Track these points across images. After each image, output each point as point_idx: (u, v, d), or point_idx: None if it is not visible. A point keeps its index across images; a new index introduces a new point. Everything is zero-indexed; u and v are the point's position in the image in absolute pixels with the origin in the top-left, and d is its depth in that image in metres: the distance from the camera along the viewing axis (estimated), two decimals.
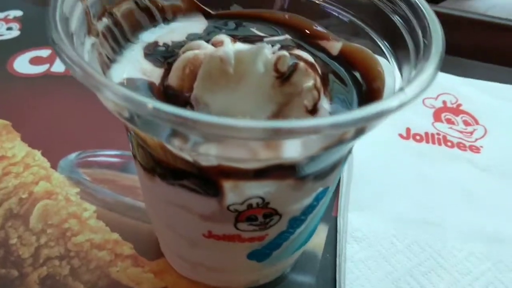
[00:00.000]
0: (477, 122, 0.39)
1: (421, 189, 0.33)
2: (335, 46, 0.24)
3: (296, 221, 0.22)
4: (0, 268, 0.26)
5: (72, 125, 0.35)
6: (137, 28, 0.23)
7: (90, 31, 0.21)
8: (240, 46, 0.21)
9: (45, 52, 0.41)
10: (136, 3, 0.23)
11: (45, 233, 0.28)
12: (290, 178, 0.19)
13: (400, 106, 0.16)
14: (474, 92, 0.41)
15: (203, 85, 0.19)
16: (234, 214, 0.20)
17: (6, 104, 0.36)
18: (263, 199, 0.19)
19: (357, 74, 0.23)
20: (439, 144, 0.36)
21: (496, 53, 0.46)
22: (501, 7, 0.49)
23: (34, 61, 0.40)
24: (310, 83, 0.20)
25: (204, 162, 0.18)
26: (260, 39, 0.24)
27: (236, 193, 0.19)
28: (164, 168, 0.19)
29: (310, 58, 0.22)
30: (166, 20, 0.24)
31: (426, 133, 0.37)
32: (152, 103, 0.15)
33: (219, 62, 0.19)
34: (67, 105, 0.36)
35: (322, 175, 0.20)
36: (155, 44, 0.23)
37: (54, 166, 0.32)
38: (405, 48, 0.21)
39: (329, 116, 0.19)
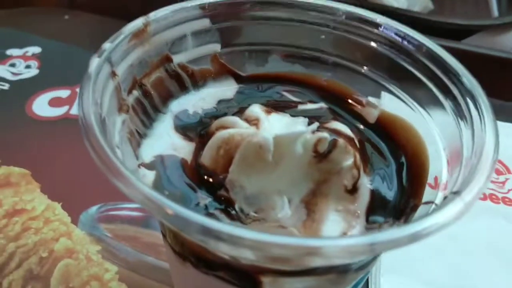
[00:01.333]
0: (509, 171, 0.37)
1: (454, 251, 0.31)
2: (372, 113, 0.23)
3: None
4: None
5: (93, 174, 0.34)
6: (167, 97, 0.23)
7: (121, 108, 0.20)
8: (276, 124, 0.20)
9: (64, 93, 0.41)
10: (167, 70, 0.23)
11: None
12: (332, 273, 0.18)
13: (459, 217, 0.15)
14: (504, 136, 0.40)
15: (239, 170, 0.19)
16: None
17: (25, 151, 0.35)
18: None
19: (394, 144, 0.22)
20: None
21: None
22: None
23: (53, 102, 0.40)
24: (349, 161, 0.20)
25: (244, 260, 0.17)
26: (294, 106, 0.23)
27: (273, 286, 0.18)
28: (198, 259, 0.18)
29: (348, 131, 0.21)
30: (196, 87, 0.24)
31: None
32: (174, 208, 0.14)
33: (257, 148, 0.18)
34: (88, 152, 0.36)
35: (364, 265, 0.19)
36: (185, 113, 0.22)
37: (74, 220, 0.31)
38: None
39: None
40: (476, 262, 0.31)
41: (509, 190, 0.36)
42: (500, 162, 0.38)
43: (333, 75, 0.24)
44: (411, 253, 0.31)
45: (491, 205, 0.35)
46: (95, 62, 0.19)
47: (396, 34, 0.22)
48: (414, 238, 0.15)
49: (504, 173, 0.37)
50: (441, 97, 0.21)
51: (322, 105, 0.23)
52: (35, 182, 0.33)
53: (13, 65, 0.43)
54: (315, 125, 0.20)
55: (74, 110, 0.39)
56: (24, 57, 0.44)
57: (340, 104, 0.24)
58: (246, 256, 0.14)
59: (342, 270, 0.18)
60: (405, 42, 0.22)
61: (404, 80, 0.23)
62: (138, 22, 0.21)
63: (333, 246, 0.14)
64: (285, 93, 0.25)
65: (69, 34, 0.48)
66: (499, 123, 0.40)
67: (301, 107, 0.23)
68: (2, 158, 0.34)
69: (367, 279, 0.29)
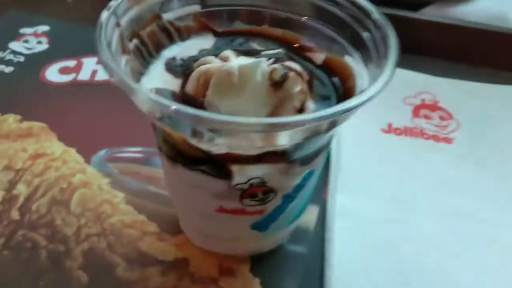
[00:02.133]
0: (451, 117, 0.44)
1: (400, 175, 0.38)
2: (319, 57, 0.30)
3: (288, 198, 0.27)
4: (49, 244, 0.32)
5: (99, 126, 0.41)
6: (159, 46, 0.29)
7: (124, 50, 0.26)
8: (243, 60, 0.27)
9: (71, 63, 0.47)
10: (158, 25, 0.29)
11: (84, 215, 0.33)
12: (282, 162, 0.24)
13: (359, 105, 0.21)
14: (450, 90, 0.47)
15: (214, 93, 0.25)
16: (239, 192, 0.25)
17: (42, 109, 0.42)
18: (262, 179, 0.25)
19: (336, 79, 0.29)
20: (416, 136, 0.42)
21: (473, 55, 0.52)
22: (476, 12, 0.54)
23: (63, 71, 0.46)
24: (298, 88, 0.26)
25: (216, 151, 0.23)
26: (258, 52, 0.30)
27: (241, 175, 0.25)
28: (185, 157, 0.25)
29: (298, 68, 0.27)
30: (182, 39, 0.30)
31: (406, 128, 0.42)
32: (176, 105, 0.21)
33: (226, 74, 0.24)
34: (94, 108, 0.42)
35: (307, 161, 0.26)
36: (174, 59, 0.29)
37: (87, 161, 0.37)
38: (370, 56, 0.27)
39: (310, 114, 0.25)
40: (418, 182, 0.37)
41: (450, 132, 0.42)
42: (445, 110, 0.45)
43: (287, 28, 0.30)
44: (364, 177, 0.37)
45: (434, 143, 0.41)
46: (104, 14, 0.25)
47: None
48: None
49: (448, 119, 0.44)
50: (365, 38, 0.28)
51: (280, 50, 0.30)
52: (52, 133, 0.39)
53: (26, 41, 0.49)
54: (272, 60, 0.26)
55: (81, 77, 0.46)
56: (35, 34, 0.50)
57: (293, 50, 0.30)
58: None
59: (289, 162, 0.25)
60: None
61: (340, 28, 0.29)
62: None
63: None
64: (252, 43, 0.31)
65: (73, 14, 0.54)
66: (454, 80, 0.46)
67: (264, 53, 0.30)
68: (24, 115, 0.40)
69: (325, 199, 0.36)
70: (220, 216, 0.27)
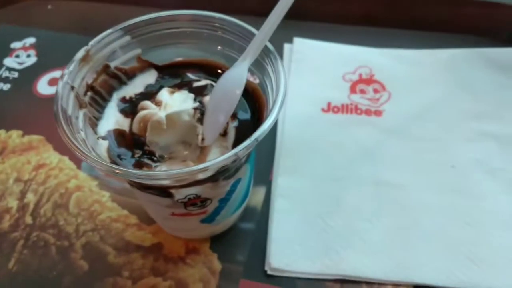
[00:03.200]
0: (384, 89, 0.50)
1: (334, 153, 0.45)
2: None
3: (224, 200, 0.35)
4: (57, 241, 0.41)
5: None
6: (111, 90, 0.35)
7: (81, 105, 0.33)
8: (175, 99, 0.33)
9: (58, 73, 0.53)
10: (108, 73, 0.35)
11: (80, 215, 0.42)
12: (208, 182, 0.32)
13: (250, 145, 0.28)
14: (386, 61, 0.52)
15: (151, 134, 0.32)
16: (182, 203, 0.33)
17: (38, 122, 0.49)
18: (196, 194, 0.33)
19: (250, 100, 0.35)
20: (351, 113, 0.48)
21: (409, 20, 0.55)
22: None
23: (51, 82, 0.53)
24: None
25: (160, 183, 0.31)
26: (191, 84, 0.36)
27: (179, 194, 0.32)
28: (138, 184, 0.33)
29: None
30: (129, 78, 0.36)
31: (343, 105, 0.48)
32: (119, 170, 0.28)
33: (157, 123, 0.31)
34: None
35: (229, 176, 0.33)
36: (124, 98, 0.36)
37: (78, 167, 0.45)
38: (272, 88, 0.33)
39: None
40: (348, 158, 0.44)
41: (381, 104, 0.48)
42: (379, 82, 0.50)
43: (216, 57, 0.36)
44: (303, 159, 0.44)
45: (365, 117, 0.47)
46: (60, 84, 0.32)
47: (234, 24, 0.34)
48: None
49: (381, 91, 0.49)
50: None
51: (207, 81, 0.36)
52: (48, 144, 0.47)
53: (17, 56, 0.55)
54: (196, 104, 0.32)
55: None
56: (24, 48, 0.56)
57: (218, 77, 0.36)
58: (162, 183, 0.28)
59: (213, 180, 0.32)
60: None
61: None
62: (82, 50, 0.33)
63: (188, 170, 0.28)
64: (188, 74, 0.37)
65: (56, 22, 0.60)
66: (388, 50, 0.50)
67: (195, 84, 0.36)
68: (24, 130, 0.48)
69: (271, 181, 0.43)
70: (175, 218, 0.35)
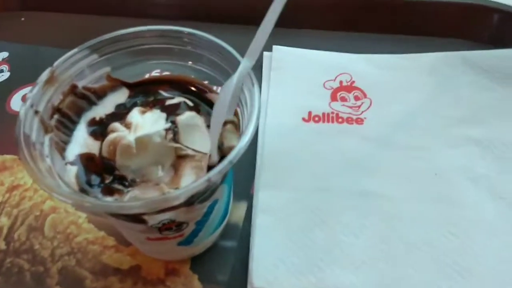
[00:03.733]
0: (365, 96, 0.48)
1: (316, 164, 0.43)
2: (214, 97, 0.35)
3: (200, 222, 0.33)
4: (32, 266, 0.39)
5: None
6: (80, 111, 0.34)
7: (46, 130, 0.31)
8: (146, 119, 0.32)
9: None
10: (75, 94, 0.34)
11: (56, 238, 0.40)
12: (181, 207, 0.30)
13: (223, 170, 0.27)
14: (366, 67, 0.50)
15: (120, 158, 0.31)
16: (157, 228, 0.32)
17: (12, 141, 0.47)
18: (170, 219, 0.31)
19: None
20: (332, 122, 0.46)
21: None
22: None
23: (24, 98, 0.51)
24: (196, 142, 0.31)
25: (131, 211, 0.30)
26: (164, 101, 0.34)
27: (152, 220, 0.31)
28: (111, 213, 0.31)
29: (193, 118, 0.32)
30: (99, 99, 0.35)
31: (323, 114, 0.47)
32: (88, 202, 0.26)
33: (126, 147, 0.30)
34: None
35: (204, 199, 0.31)
36: (93, 120, 0.34)
37: None
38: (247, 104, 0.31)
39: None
40: (330, 169, 0.42)
41: (362, 112, 0.47)
42: (360, 89, 0.49)
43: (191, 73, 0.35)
44: (284, 171, 0.43)
45: (347, 126, 0.46)
46: (22, 109, 0.30)
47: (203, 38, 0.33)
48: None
49: (362, 98, 0.48)
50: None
51: (180, 99, 0.34)
52: None
53: None
54: (168, 124, 0.31)
55: None
56: None
57: (192, 94, 0.35)
58: (132, 211, 0.27)
59: (187, 204, 0.30)
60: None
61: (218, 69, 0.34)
62: (46, 72, 0.32)
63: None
64: (160, 91, 0.36)
65: (29, 34, 0.58)
66: (368, 55, 0.49)
67: (168, 102, 0.34)
68: None
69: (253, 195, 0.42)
70: (150, 242, 0.34)
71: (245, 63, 0.31)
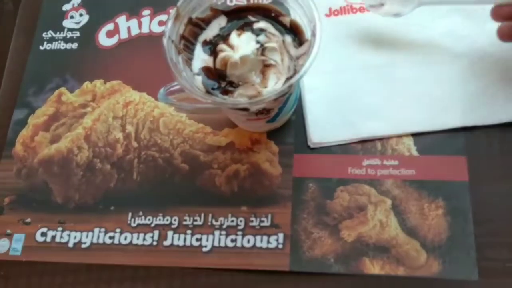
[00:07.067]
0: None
1: (339, 48, 0.53)
2: (286, 20, 0.47)
3: (281, 108, 0.46)
4: (160, 154, 0.53)
5: (151, 70, 0.57)
6: (196, 35, 0.45)
7: (179, 52, 0.44)
8: (243, 40, 0.44)
9: (111, 26, 0.60)
10: (191, 23, 0.45)
11: (170, 133, 0.54)
12: (271, 100, 0.43)
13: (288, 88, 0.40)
14: None
15: (230, 70, 0.43)
16: (254, 113, 0.45)
17: (111, 69, 0.58)
18: (263, 107, 0.45)
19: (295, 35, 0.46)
20: (348, 13, 0.54)
21: None
22: None
23: (108, 34, 0.60)
24: (274, 52, 0.44)
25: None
26: (252, 24, 0.46)
27: (252, 108, 0.44)
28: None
29: (277, 33, 0.45)
30: (207, 24, 0.46)
31: (341, 8, 0.55)
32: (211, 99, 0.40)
33: (234, 63, 0.42)
34: (142, 59, 0.58)
35: (284, 94, 0.43)
36: (205, 41, 0.46)
37: (155, 98, 0.56)
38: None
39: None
40: (353, 50, 0.53)
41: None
42: None
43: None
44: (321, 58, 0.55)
45: (360, 15, 0.54)
46: (164, 40, 0.42)
47: None
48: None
49: None
50: None
51: (264, 23, 0.45)
52: (127, 85, 0.57)
53: (72, 17, 0.62)
54: (259, 45, 0.44)
55: (122, 36, 0.59)
56: (74, 8, 0.63)
57: (272, 18, 0.46)
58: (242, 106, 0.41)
59: (274, 99, 0.43)
60: None
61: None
62: (173, 11, 0.43)
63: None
64: (249, 16, 0.45)
65: None
66: None
67: (255, 25, 0.46)
68: (104, 78, 0.58)
69: (299, 98, 0.55)
70: (250, 121, 0.49)
71: None
